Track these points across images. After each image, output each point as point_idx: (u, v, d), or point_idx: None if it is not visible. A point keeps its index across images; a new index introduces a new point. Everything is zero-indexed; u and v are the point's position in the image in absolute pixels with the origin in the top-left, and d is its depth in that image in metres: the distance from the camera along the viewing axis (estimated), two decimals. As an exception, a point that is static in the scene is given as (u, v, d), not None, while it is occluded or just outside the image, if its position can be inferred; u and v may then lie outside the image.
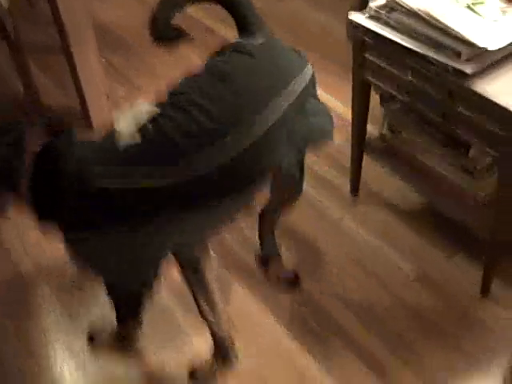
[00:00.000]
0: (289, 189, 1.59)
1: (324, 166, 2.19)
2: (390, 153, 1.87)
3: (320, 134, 1.48)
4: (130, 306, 1.53)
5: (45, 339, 1.74)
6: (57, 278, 1.87)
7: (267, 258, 1.83)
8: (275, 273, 1.83)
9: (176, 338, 1.70)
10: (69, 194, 1.24)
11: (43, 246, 1.96)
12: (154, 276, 1.36)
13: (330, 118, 1.51)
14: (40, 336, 1.74)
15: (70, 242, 1.31)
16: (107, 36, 2.81)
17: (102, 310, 1.76)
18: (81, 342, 1.71)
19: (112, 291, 1.47)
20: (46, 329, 1.76)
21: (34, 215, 1.30)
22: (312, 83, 1.42)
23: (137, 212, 1.24)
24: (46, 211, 1.29)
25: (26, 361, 1.69)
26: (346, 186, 2.06)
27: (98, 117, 2.38)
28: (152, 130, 1.25)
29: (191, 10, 1.50)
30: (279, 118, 1.30)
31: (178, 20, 1.44)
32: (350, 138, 1.94)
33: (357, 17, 1.65)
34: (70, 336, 1.73)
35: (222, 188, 1.28)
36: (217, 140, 1.24)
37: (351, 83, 1.82)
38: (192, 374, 1.64)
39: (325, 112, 1.50)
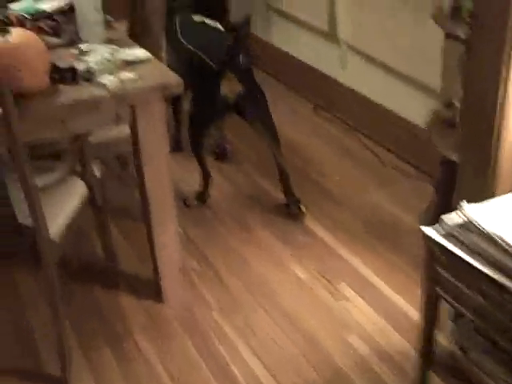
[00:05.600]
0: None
1: (384, 368, 2.11)
2: (457, 371, 1.80)
3: None
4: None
5: None
6: None
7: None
8: None
9: None
10: None
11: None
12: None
13: None
14: None
15: None
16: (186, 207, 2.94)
17: None
18: None
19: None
20: None
21: None
22: None
23: None
24: None
25: None
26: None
27: (168, 287, 2.39)
28: None
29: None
30: None
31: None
32: (417, 345, 1.89)
33: (431, 232, 1.66)
34: None
35: None
36: None
37: (419, 282, 1.80)
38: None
39: None
